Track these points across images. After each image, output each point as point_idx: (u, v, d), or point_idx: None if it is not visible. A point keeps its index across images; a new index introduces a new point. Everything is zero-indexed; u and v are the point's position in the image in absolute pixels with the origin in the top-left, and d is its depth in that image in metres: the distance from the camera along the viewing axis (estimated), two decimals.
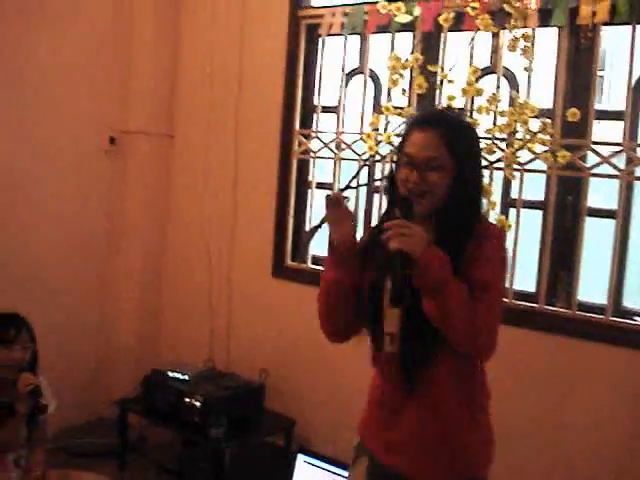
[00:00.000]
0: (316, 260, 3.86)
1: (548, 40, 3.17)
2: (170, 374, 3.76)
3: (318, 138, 3.82)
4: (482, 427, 2.03)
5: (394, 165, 2.05)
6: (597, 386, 3.00)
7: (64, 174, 4.11)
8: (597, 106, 3.11)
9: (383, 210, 2.16)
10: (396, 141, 3.38)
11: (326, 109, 3.84)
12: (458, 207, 1.92)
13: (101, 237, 4.33)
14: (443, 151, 1.90)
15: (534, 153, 3.07)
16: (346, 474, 3.30)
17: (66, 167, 4.12)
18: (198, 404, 3.53)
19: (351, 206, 3.66)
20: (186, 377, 3.72)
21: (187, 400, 3.57)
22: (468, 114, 3.20)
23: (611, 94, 3.76)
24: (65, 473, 3.18)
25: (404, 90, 3.20)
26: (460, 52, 3.23)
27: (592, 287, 3.11)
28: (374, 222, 3.61)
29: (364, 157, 3.56)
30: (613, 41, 3.29)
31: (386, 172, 3.51)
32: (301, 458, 3.53)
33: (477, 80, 3.17)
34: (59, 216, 4.11)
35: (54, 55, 4.02)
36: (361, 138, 3.52)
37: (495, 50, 3.25)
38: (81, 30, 4.12)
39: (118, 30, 4.27)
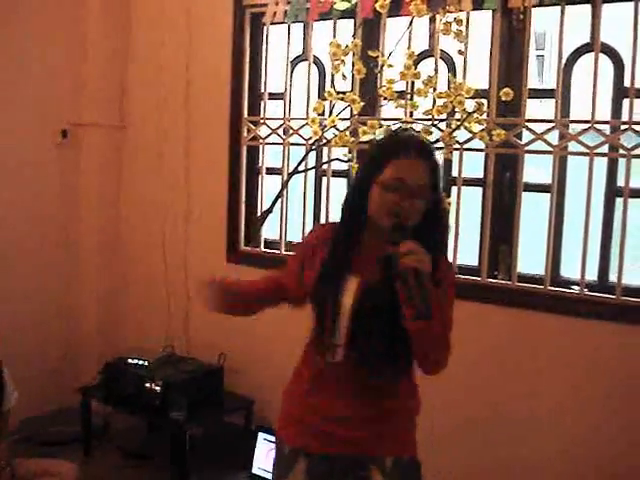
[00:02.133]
0: (269, 244, 3.96)
1: (482, 23, 3.29)
2: (130, 361, 3.84)
3: (266, 124, 3.90)
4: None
5: (362, 186, 2.02)
6: (537, 353, 3.14)
7: (17, 168, 4.12)
8: (538, 85, 3.23)
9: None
10: (340, 125, 3.49)
11: (273, 96, 3.92)
12: (433, 233, 1.99)
13: (56, 229, 4.35)
14: (428, 180, 1.95)
15: (471, 132, 3.19)
16: None
17: (19, 161, 4.13)
18: (158, 388, 3.62)
19: (299, 191, 3.76)
20: (146, 363, 3.80)
21: (147, 385, 3.65)
22: (408, 97, 3.31)
23: (552, 73, 3.89)
24: (31, 462, 3.23)
25: (344, 75, 3.30)
26: (399, 37, 3.34)
27: (531, 259, 3.25)
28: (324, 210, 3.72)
29: (311, 142, 3.66)
30: (553, 22, 3.40)
31: (333, 155, 3.62)
32: (261, 436, 3.64)
33: (416, 64, 3.28)
34: (13, 210, 4.13)
35: (3, 49, 4.03)
36: (307, 123, 3.61)
37: (432, 34, 3.36)
38: (31, 24, 4.13)
39: (68, 23, 4.28)
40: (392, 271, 1.88)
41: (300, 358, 2.21)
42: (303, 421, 2.12)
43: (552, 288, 3.14)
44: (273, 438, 3.55)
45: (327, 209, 3.70)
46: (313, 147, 3.66)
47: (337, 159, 3.57)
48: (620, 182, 3.04)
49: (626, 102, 3.01)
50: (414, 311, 1.82)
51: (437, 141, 3.22)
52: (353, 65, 3.35)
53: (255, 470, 3.62)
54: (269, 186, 3.95)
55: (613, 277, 3.06)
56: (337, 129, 3.50)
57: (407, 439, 2.12)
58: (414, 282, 1.81)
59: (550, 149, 3.12)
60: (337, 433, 2.06)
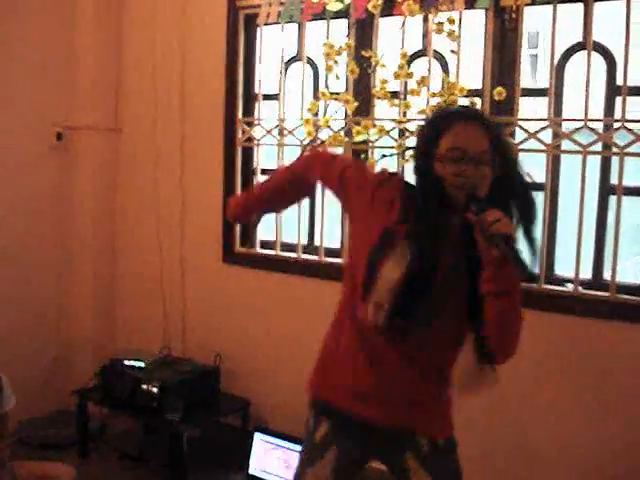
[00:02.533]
0: (264, 244, 3.96)
1: (475, 22, 3.30)
2: (126, 362, 3.84)
3: (260, 125, 3.91)
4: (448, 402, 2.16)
5: (425, 163, 1.98)
6: (532, 351, 3.13)
7: (11, 171, 4.12)
8: (531, 84, 3.24)
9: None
10: (334, 125, 3.50)
11: (267, 97, 3.93)
12: (508, 202, 1.94)
13: (51, 232, 4.35)
14: (488, 146, 1.91)
15: None
16: (299, 448, 3.44)
17: (13, 164, 4.13)
18: (155, 390, 3.62)
19: None
20: (142, 364, 3.81)
21: (144, 387, 3.65)
22: (401, 96, 3.32)
23: (545, 72, 3.90)
24: (28, 464, 3.23)
25: (337, 76, 3.31)
26: (392, 37, 3.35)
27: (525, 257, 3.24)
28: None
29: (305, 142, 3.66)
30: (546, 20, 3.41)
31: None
32: (258, 437, 3.65)
33: (409, 64, 3.29)
34: (7, 212, 4.13)
35: None
36: (301, 124, 3.61)
37: (425, 34, 3.37)
38: (25, 28, 4.13)
39: (62, 26, 4.28)
40: (476, 240, 1.85)
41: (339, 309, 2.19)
42: (340, 379, 2.13)
43: (547, 286, 3.15)
44: (270, 439, 3.60)
45: (322, 209, 3.70)
46: (308, 148, 3.67)
47: None
48: (613, 180, 3.05)
49: (619, 100, 3.01)
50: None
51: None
52: (347, 65, 3.36)
53: (252, 471, 3.62)
54: None
55: (607, 275, 3.07)
56: (331, 129, 3.51)
57: (441, 419, 2.14)
58: (508, 248, 1.80)
59: (543, 148, 3.13)
60: (376, 394, 2.07)
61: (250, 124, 3.95)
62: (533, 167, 3.17)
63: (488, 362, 2.00)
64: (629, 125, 2.95)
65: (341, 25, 3.59)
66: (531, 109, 3.36)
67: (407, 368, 2.05)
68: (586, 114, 3.01)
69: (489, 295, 1.87)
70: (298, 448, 3.41)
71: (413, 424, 2.09)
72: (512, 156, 2.02)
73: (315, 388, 2.22)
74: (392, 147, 3.38)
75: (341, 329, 2.15)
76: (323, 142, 3.53)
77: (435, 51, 3.36)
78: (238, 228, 4.02)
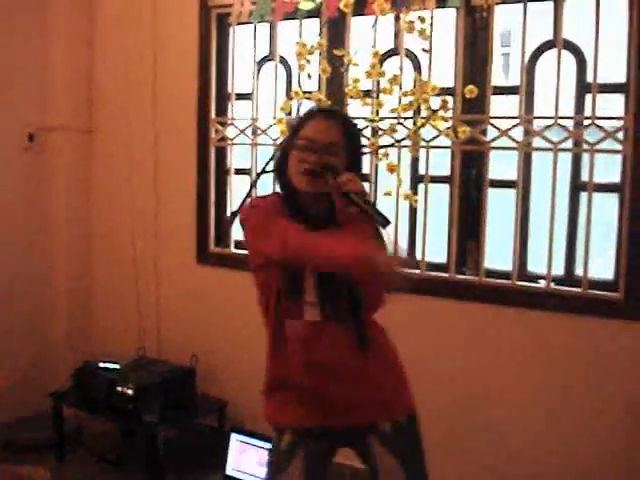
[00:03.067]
0: (239, 244, 3.95)
1: (446, 21, 3.31)
2: (101, 364, 3.82)
3: (234, 125, 3.90)
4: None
5: (281, 155, 2.22)
6: (506, 347, 3.17)
7: None
8: (503, 82, 3.26)
9: None
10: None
11: (240, 96, 3.92)
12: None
13: (24, 234, 4.31)
14: (341, 139, 2.11)
15: (437, 130, 3.21)
16: None
17: None
18: (130, 392, 3.59)
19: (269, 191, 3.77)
20: (117, 366, 3.79)
21: (119, 389, 3.63)
22: (374, 95, 3.33)
23: (517, 70, 3.93)
24: (3, 468, 3.21)
25: (309, 75, 3.31)
26: (364, 36, 3.35)
27: (498, 254, 3.28)
28: None
29: (278, 141, 3.66)
30: (517, 19, 3.43)
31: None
32: (234, 437, 3.64)
33: (381, 62, 3.29)
34: None
35: None
36: (274, 123, 3.61)
37: (397, 33, 3.37)
38: None
39: (34, 26, 4.24)
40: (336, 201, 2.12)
41: (269, 340, 2.21)
42: (300, 398, 2.16)
43: (520, 283, 3.17)
44: (246, 439, 3.60)
45: None
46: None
47: None
48: (584, 177, 3.08)
49: (589, 97, 3.04)
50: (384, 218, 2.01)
51: (403, 139, 3.25)
52: (319, 64, 3.36)
53: (229, 471, 3.61)
54: (238, 186, 3.95)
55: (579, 271, 3.09)
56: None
57: (399, 396, 2.19)
58: (364, 202, 2.03)
59: (515, 145, 3.15)
60: (331, 401, 2.12)
61: (223, 124, 3.94)
62: (505, 164, 3.23)
63: None
64: (599, 122, 2.98)
65: (313, 24, 3.59)
66: (502, 107, 3.38)
67: (340, 352, 2.11)
68: (557, 111, 3.04)
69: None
70: None
71: (373, 418, 2.15)
72: (360, 146, 2.23)
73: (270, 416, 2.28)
74: (365, 146, 3.37)
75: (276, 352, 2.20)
76: None
77: (407, 50, 3.37)
78: (212, 228, 4.01)
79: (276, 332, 2.17)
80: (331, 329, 2.11)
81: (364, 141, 2.31)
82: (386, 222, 2.02)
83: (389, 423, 2.14)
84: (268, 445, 3.49)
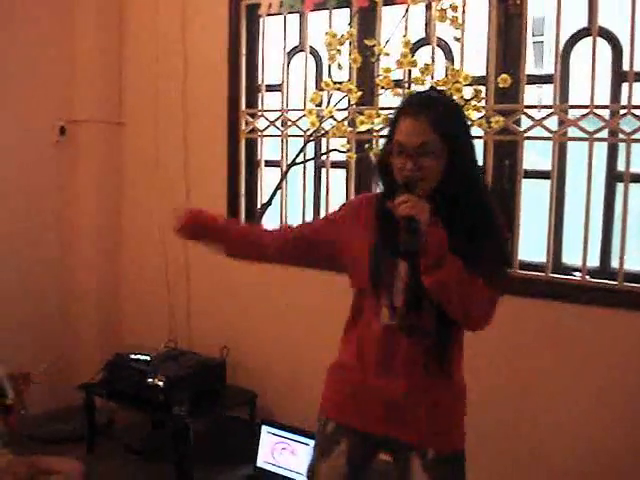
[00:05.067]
0: None
1: (479, 9, 3.26)
2: (132, 356, 3.83)
3: (264, 117, 3.89)
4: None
5: (384, 152, 2.08)
6: (540, 340, 3.12)
7: (15, 167, 4.13)
8: (537, 71, 3.20)
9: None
10: (338, 115, 3.47)
11: (270, 88, 3.90)
12: (457, 185, 1.96)
13: (56, 226, 4.35)
14: (434, 136, 1.93)
15: (470, 120, 3.15)
16: (306, 440, 3.45)
17: (17, 160, 4.13)
18: (161, 383, 3.60)
19: (299, 183, 3.75)
20: (148, 358, 3.80)
21: (150, 380, 3.64)
22: (406, 85, 3.29)
23: (551, 58, 3.87)
24: (35, 459, 3.22)
25: (340, 65, 3.28)
26: (395, 25, 3.31)
27: (533, 246, 3.23)
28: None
29: (309, 133, 3.63)
30: (551, 6, 3.38)
31: (331, 146, 3.60)
32: (265, 429, 3.64)
33: (412, 52, 3.26)
34: (11, 208, 4.14)
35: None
36: (304, 114, 3.59)
37: (428, 22, 3.33)
38: (25, 22, 4.11)
39: (61, 19, 4.27)
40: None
41: (345, 333, 2.22)
42: (354, 396, 2.12)
43: (554, 275, 3.12)
44: (277, 431, 3.59)
45: (327, 200, 3.67)
46: (311, 138, 3.64)
47: (335, 150, 3.55)
48: (620, 167, 3.02)
49: (625, 86, 2.98)
50: (405, 250, 1.88)
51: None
52: (349, 55, 3.33)
53: (260, 463, 3.61)
54: (268, 178, 3.93)
55: (615, 263, 3.04)
56: (335, 119, 3.48)
57: (454, 431, 2.10)
58: (405, 226, 1.86)
59: (549, 135, 3.09)
60: (385, 414, 2.07)
61: (253, 115, 3.93)
62: (539, 155, 3.18)
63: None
64: (635, 111, 2.92)
65: (343, 14, 3.56)
66: (536, 96, 3.32)
67: (415, 373, 2.04)
68: (592, 101, 2.98)
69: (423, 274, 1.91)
70: (305, 440, 3.44)
71: (420, 439, 2.06)
72: (461, 147, 2.00)
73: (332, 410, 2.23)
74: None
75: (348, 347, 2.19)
76: (327, 132, 3.50)
77: (439, 39, 3.33)
78: (243, 220, 4.00)
79: (354, 317, 2.18)
80: (408, 340, 2.03)
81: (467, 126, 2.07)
82: (412, 248, 1.87)
83: (434, 451, 2.05)
84: (299, 437, 3.49)
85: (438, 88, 2.97)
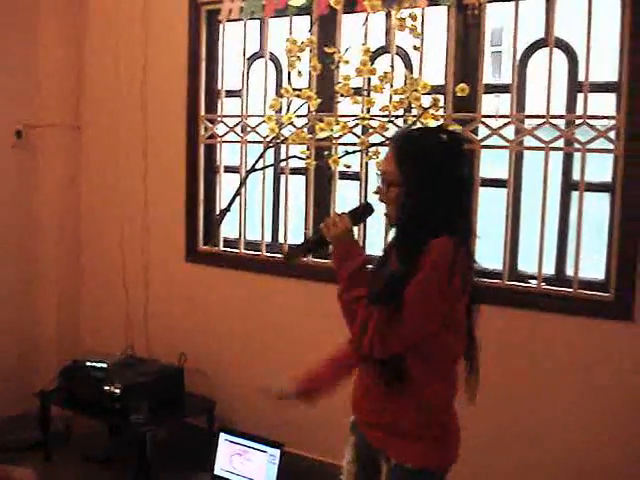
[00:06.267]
0: (228, 243, 3.92)
1: (438, 19, 3.29)
2: (88, 364, 3.78)
3: (223, 122, 3.87)
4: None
5: None
6: (496, 346, 3.14)
7: None
8: (495, 80, 3.23)
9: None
10: (297, 122, 3.48)
11: (230, 93, 3.89)
12: (407, 221, 2.03)
13: (14, 233, 4.28)
14: (393, 168, 2.03)
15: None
16: (264, 447, 3.45)
17: None
18: (117, 391, 3.56)
19: (258, 190, 3.75)
20: (105, 365, 3.75)
21: (106, 388, 3.60)
22: (365, 93, 3.30)
23: (508, 68, 3.91)
24: None
25: (300, 72, 3.28)
26: (355, 33, 3.33)
27: (489, 254, 3.25)
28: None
29: (268, 139, 3.63)
30: (509, 17, 3.42)
31: (290, 153, 3.61)
32: (223, 437, 3.62)
33: (372, 60, 3.27)
34: None
35: None
36: (264, 121, 3.58)
37: (388, 30, 3.35)
38: None
39: (21, 23, 4.21)
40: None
41: None
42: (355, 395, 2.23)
43: (510, 282, 3.16)
44: (235, 439, 3.57)
45: (286, 207, 3.68)
46: (270, 145, 3.64)
47: (295, 156, 3.55)
48: (576, 176, 3.07)
49: (580, 96, 3.03)
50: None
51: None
52: (309, 62, 3.33)
53: (217, 471, 3.58)
54: (227, 184, 3.92)
55: (570, 271, 3.08)
56: (294, 126, 3.49)
57: (413, 446, 2.07)
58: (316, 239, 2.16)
59: (506, 144, 3.13)
60: (364, 419, 2.18)
61: (213, 121, 3.91)
62: (496, 163, 3.21)
63: None
64: (591, 121, 2.97)
65: (304, 21, 3.57)
66: (494, 105, 3.36)
67: (372, 393, 2.13)
68: (548, 110, 3.03)
69: None
70: (262, 447, 3.44)
71: (384, 447, 2.11)
72: (417, 175, 2.01)
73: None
74: (355, 144, 3.36)
75: None
76: (286, 139, 3.49)
77: (398, 47, 3.35)
78: (201, 226, 3.98)
79: None
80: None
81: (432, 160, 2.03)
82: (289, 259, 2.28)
83: (395, 461, 2.06)
84: (256, 445, 3.48)
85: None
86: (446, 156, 2.03)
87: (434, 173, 2.00)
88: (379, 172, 2.11)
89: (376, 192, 2.11)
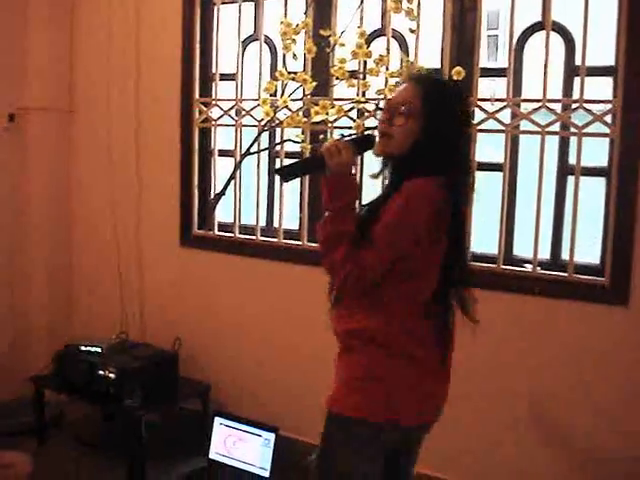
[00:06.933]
0: (223, 227, 3.91)
1: (435, 1, 3.27)
2: (83, 348, 3.77)
3: (218, 106, 3.85)
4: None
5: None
6: (491, 331, 3.13)
7: None
8: (491, 64, 3.22)
9: None
10: (292, 105, 3.46)
11: (224, 77, 3.86)
12: (417, 159, 2.00)
13: (4, 217, 4.25)
14: (417, 102, 2.00)
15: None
16: (258, 431, 3.46)
17: None
18: (112, 376, 3.55)
19: (253, 173, 3.73)
20: (99, 350, 3.74)
21: (101, 372, 3.58)
22: (360, 76, 3.28)
23: (505, 52, 3.90)
24: None
25: (295, 55, 3.25)
26: (351, 16, 3.30)
27: (484, 238, 3.25)
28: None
29: (263, 123, 3.61)
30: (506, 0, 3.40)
31: (285, 136, 3.59)
32: (218, 421, 3.61)
33: (367, 43, 3.25)
34: None
35: None
36: (259, 104, 3.56)
37: (383, 13, 3.33)
38: None
39: (13, 6, 4.16)
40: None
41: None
42: None
43: (505, 267, 3.16)
44: (230, 422, 3.57)
45: (281, 190, 3.66)
46: (265, 128, 3.62)
47: (290, 140, 3.53)
48: (572, 160, 3.06)
49: (577, 80, 3.02)
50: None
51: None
52: (304, 44, 3.31)
53: (212, 455, 3.58)
54: (222, 168, 3.90)
55: (565, 255, 3.08)
56: (289, 110, 3.46)
57: (342, 391, 2.08)
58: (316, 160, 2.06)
59: (502, 128, 3.12)
60: None
61: (207, 104, 3.89)
62: (492, 147, 3.20)
63: None
64: (587, 105, 2.96)
65: (299, 3, 3.53)
66: (490, 89, 3.35)
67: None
68: (544, 94, 3.02)
69: None
70: (257, 432, 3.44)
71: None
72: (441, 116, 2.02)
73: None
74: (350, 127, 3.34)
75: None
76: (281, 122, 3.47)
77: (394, 30, 3.33)
78: (196, 210, 3.96)
79: None
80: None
81: (455, 110, 2.07)
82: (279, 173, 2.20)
83: (326, 406, 2.09)
84: (251, 429, 3.49)
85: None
86: (465, 113, 2.16)
87: (454, 120, 2.05)
88: (391, 102, 2.04)
89: (382, 121, 2.05)
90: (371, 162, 2.20)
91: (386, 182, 2.16)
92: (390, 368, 2.03)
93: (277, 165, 3.71)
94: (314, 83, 3.32)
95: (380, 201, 2.06)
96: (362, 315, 2.04)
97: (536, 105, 3.04)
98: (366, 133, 2.18)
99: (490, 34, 4.07)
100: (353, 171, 2.07)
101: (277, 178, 2.10)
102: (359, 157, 2.69)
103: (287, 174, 2.15)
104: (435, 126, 2.00)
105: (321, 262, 2.02)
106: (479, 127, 3.15)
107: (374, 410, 2.02)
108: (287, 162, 2.13)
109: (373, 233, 1.94)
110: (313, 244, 3.52)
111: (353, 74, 3.27)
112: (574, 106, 2.99)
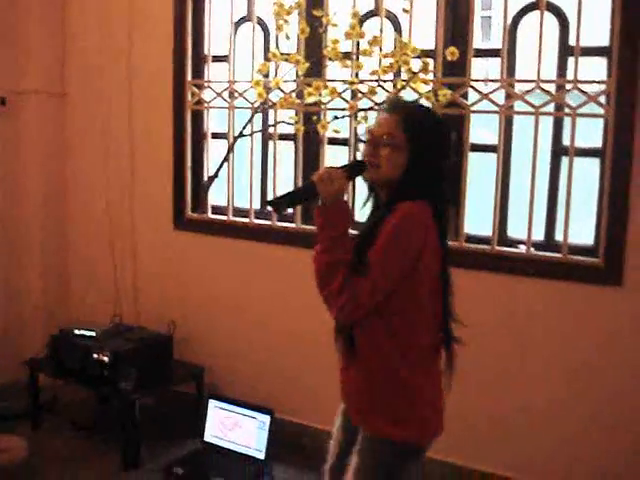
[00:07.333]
0: (216, 210, 3.90)
1: None
2: (77, 332, 3.77)
3: (210, 88, 3.82)
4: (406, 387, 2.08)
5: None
6: (485, 311, 3.15)
7: None
8: (484, 44, 3.21)
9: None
10: (285, 87, 3.44)
11: (217, 58, 3.84)
12: (408, 186, 2.00)
13: None
14: (399, 132, 2.00)
15: (418, 92, 3.15)
16: (253, 414, 3.47)
17: None
18: (106, 359, 3.55)
19: (246, 156, 3.72)
20: (93, 333, 3.74)
21: (95, 356, 3.59)
22: (354, 57, 3.27)
23: (498, 32, 3.88)
24: None
25: (287, 36, 3.23)
26: None
27: (478, 219, 3.25)
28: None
29: (256, 104, 3.59)
30: None
31: (279, 118, 3.58)
32: (212, 403, 3.62)
33: (361, 23, 3.23)
34: None
35: None
36: (252, 86, 3.54)
37: None
38: None
39: None
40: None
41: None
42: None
43: (499, 248, 3.16)
44: (224, 405, 3.58)
45: (274, 172, 3.65)
46: (258, 110, 3.60)
47: (283, 122, 3.52)
48: (566, 141, 3.05)
49: (571, 61, 3.01)
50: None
51: (383, 102, 3.19)
52: (297, 25, 3.29)
53: (207, 438, 3.59)
54: (215, 151, 3.89)
55: (559, 236, 3.08)
56: (282, 91, 3.45)
57: (375, 415, 2.07)
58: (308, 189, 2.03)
59: (496, 109, 3.11)
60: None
61: (200, 87, 3.86)
62: (485, 128, 3.19)
63: None
64: (581, 86, 2.95)
65: None
66: (484, 70, 3.33)
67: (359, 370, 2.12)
68: (538, 75, 3.01)
69: None
70: (252, 414, 3.44)
71: (356, 422, 2.14)
72: (425, 145, 2.04)
73: None
74: (344, 109, 3.33)
75: None
76: (274, 104, 3.46)
77: (387, 11, 3.31)
78: (189, 193, 3.95)
79: None
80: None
81: (437, 136, 2.08)
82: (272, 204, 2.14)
83: (362, 430, 2.10)
84: (246, 411, 3.49)
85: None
86: (445, 137, 2.14)
87: (436, 147, 2.07)
88: (373, 134, 2.03)
89: (368, 154, 2.05)
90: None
91: (373, 204, 2.17)
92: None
93: (270, 147, 3.69)
94: (307, 64, 3.31)
95: (373, 224, 2.04)
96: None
97: (530, 86, 3.04)
98: (358, 159, 2.14)
99: (484, 14, 4.04)
100: (345, 197, 2.07)
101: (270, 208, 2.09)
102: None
103: (280, 204, 2.12)
104: (421, 157, 2.02)
105: (318, 291, 1.99)
106: (473, 108, 3.14)
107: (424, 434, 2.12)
108: (279, 193, 2.11)
109: (369, 257, 1.94)
110: (307, 226, 3.52)
111: (346, 55, 3.26)
112: (568, 87, 2.98)
